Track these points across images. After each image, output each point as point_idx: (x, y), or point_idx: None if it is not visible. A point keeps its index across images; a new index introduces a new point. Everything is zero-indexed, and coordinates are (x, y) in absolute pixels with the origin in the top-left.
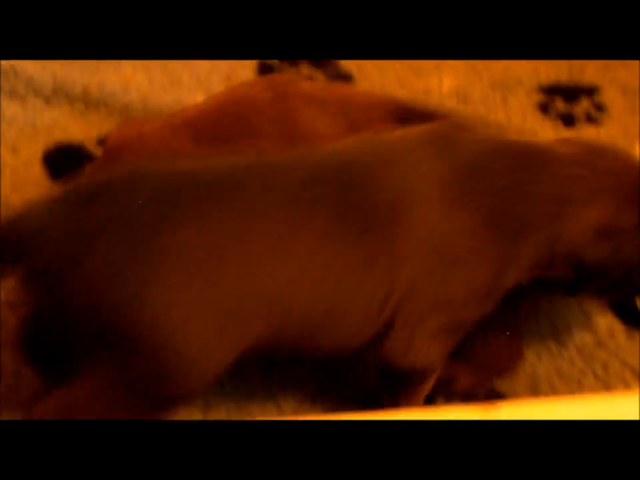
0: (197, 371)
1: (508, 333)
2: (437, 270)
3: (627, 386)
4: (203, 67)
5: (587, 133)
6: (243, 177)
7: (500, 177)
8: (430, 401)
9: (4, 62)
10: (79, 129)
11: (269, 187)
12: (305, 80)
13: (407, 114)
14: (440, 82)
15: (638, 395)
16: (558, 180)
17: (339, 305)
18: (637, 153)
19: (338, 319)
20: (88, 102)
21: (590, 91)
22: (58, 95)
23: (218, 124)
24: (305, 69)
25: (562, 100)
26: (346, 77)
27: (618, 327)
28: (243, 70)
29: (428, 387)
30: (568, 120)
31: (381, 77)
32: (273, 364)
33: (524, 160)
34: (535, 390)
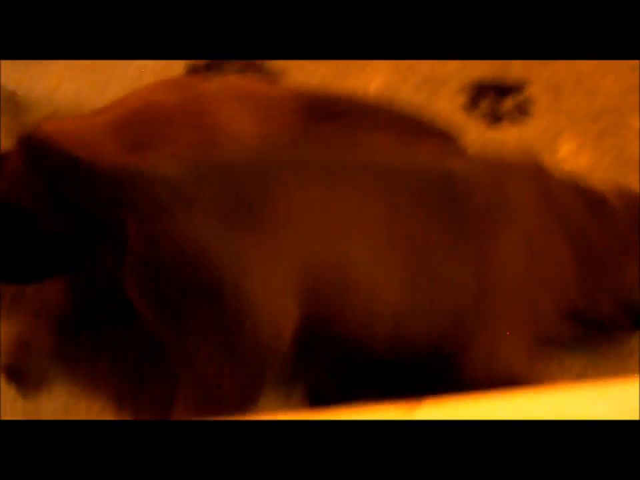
0: (275, 331)
1: None
2: (529, 273)
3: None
4: (131, 69)
5: (511, 131)
6: (339, 163)
7: (580, 213)
8: None
9: None
10: (6, 134)
11: (367, 175)
12: (214, 78)
13: (324, 108)
14: (366, 83)
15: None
16: (613, 228)
17: (422, 294)
18: (561, 149)
19: (419, 309)
20: (15, 106)
21: (515, 90)
22: None
23: (136, 130)
24: (232, 70)
25: (487, 99)
26: (273, 80)
27: None
28: (172, 72)
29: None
30: (493, 119)
31: (306, 79)
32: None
33: (594, 205)
34: None
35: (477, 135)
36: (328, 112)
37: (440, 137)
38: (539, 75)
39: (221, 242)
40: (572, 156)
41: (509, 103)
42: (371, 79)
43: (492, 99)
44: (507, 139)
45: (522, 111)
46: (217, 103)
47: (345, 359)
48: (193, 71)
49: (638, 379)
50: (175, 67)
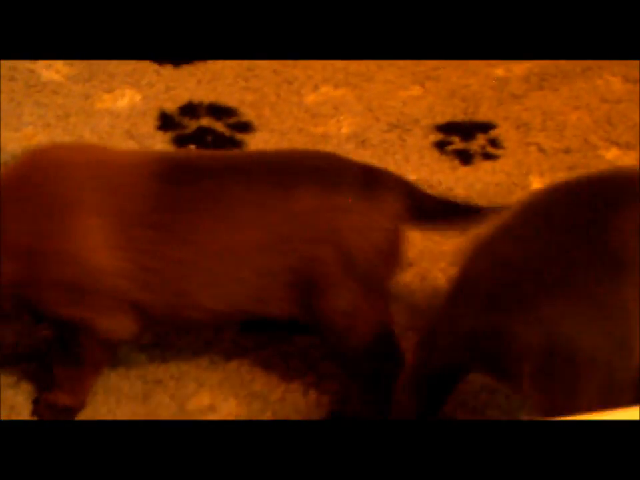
0: None
1: None
2: None
3: None
4: (103, 123)
5: (483, 168)
6: None
7: None
8: None
9: None
10: None
11: None
12: (66, 148)
13: (177, 170)
14: (338, 127)
15: None
16: None
17: None
18: (533, 185)
19: None
20: None
21: (485, 128)
22: None
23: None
24: (205, 120)
25: (458, 138)
26: (246, 126)
27: None
28: (144, 125)
29: None
30: (464, 157)
31: (280, 124)
32: None
33: None
34: None
35: (448, 173)
36: (187, 173)
37: (319, 173)
38: (509, 112)
39: None
40: None
41: (479, 141)
42: (342, 121)
43: (463, 137)
44: (479, 176)
45: (492, 148)
46: (65, 170)
47: None
48: (164, 123)
49: None
50: (146, 121)
